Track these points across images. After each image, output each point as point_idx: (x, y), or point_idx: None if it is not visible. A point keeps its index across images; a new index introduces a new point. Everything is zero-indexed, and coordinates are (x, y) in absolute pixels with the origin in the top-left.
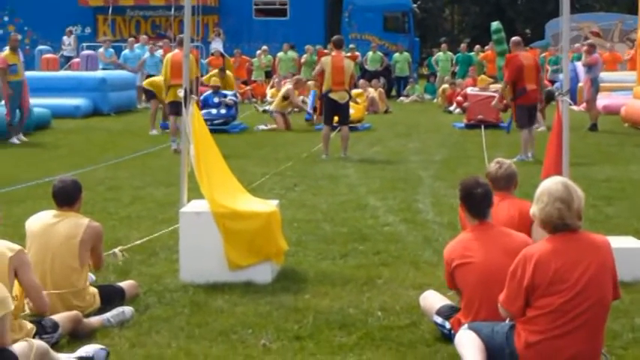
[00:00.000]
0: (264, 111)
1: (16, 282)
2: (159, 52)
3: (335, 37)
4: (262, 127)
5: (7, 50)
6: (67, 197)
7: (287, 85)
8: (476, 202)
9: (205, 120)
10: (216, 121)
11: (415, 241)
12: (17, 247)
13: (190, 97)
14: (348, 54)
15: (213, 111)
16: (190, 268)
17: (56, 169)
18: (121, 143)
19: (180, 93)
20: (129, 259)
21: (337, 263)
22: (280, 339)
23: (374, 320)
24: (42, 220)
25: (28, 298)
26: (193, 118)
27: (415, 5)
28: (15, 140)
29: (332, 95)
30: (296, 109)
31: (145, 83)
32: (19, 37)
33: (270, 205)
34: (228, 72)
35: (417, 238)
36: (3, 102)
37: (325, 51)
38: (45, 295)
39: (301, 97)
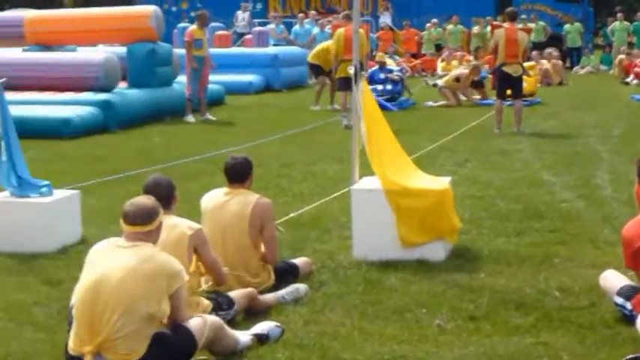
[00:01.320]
0: (434, 85)
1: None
2: (329, 28)
3: (509, 9)
4: (431, 103)
5: (195, 25)
6: (238, 174)
7: (461, 69)
8: None
9: None
10: (380, 98)
11: (593, 219)
12: (197, 225)
13: (360, 73)
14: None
15: (379, 87)
16: (363, 245)
17: (229, 144)
18: (293, 119)
19: (351, 70)
20: (305, 235)
21: (512, 241)
22: (455, 319)
23: (551, 300)
24: (214, 198)
25: (209, 274)
26: (364, 95)
27: None
28: (190, 118)
29: (505, 68)
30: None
31: (309, 58)
32: (208, 13)
33: (443, 182)
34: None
35: (595, 215)
36: (184, 77)
37: (497, 23)
38: (224, 270)
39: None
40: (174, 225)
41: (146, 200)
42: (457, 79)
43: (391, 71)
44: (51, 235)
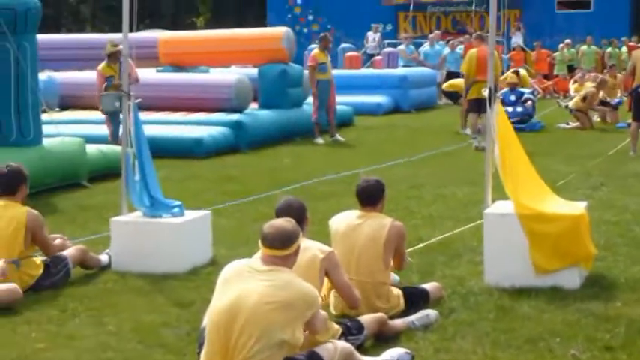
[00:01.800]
0: (566, 107)
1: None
2: (460, 49)
3: None
4: (563, 125)
5: (317, 49)
6: (370, 197)
7: (589, 87)
8: None
9: None
10: (512, 120)
11: None
12: (328, 248)
13: (495, 95)
14: None
15: (509, 109)
16: (495, 270)
17: (357, 165)
18: (422, 140)
19: (485, 92)
20: (433, 260)
21: None
22: (590, 349)
23: None
24: (346, 221)
25: (342, 298)
26: (498, 117)
27: None
28: (319, 140)
29: None
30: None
31: (445, 86)
32: (331, 37)
33: (578, 207)
34: (522, 71)
35: None
36: (311, 100)
37: (633, 44)
38: (357, 292)
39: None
40: (305, 248)
41: (286, 223)
42: (584, 98)
43: (522, 94)
44: (182, 255)
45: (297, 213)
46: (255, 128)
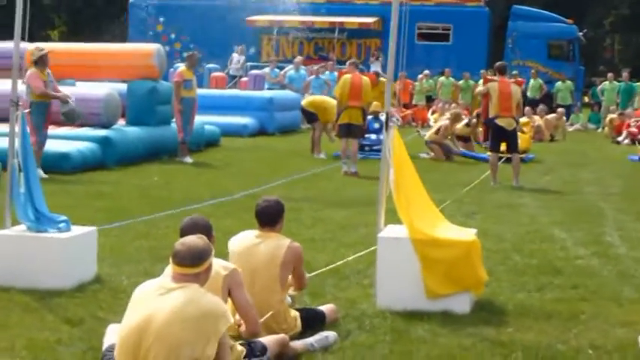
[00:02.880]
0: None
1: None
2: (325, 74)
3: (498, 63)
4: (424, 155)
5: (184, 66)
6: (269, 217)
7: (443, 119)
8: None
9: (365, 145)
10: (375, 147)
11: (610, 276)
12: (231, 266)
13: (392, 119)
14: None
15: (373, 136)
16: (387, 294)
17: (232, 187)
18: (290, 163)
19: (382, 116)
20: (322, 282)
21: (534, 296)
22: None
23: (585, 358)
24: (244, 241)
25: (242, 318)
26: (394, 142)
27: (581, 33)
28: (188, 159)
29: (499, 122)
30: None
31: (304, 103)
32: (198, 55)
33: (470, 234)
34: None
35: (611, 272)
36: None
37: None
38: (257, 315)
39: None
40: None
41: (198, 240)
42: (437, 131)
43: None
44: (68, 272)
45: (203, 231)
46: (123, 145)
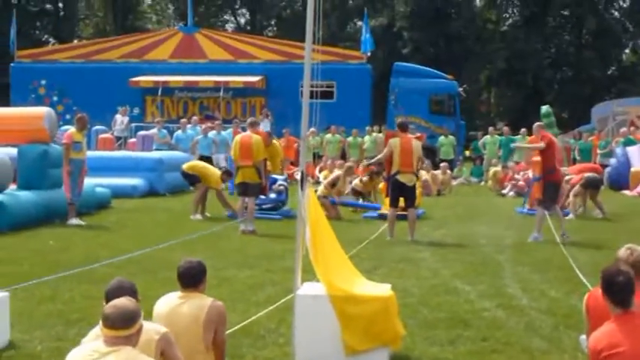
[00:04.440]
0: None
1: None
2: (211, 134)
3: (399, 121)
4: None
5: (74, 128)
6: (192, 278)
7: (336, 172)
8: (618, 290)
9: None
10: (264, 206)
11: (518, 328)
12: (163, 329)
13: (307, 179)
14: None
15: (262, 196)
16: (306, 351)
17: (130, 247)
18: (185, 223)
19: (297, 175)
20: (238, 343)
21: (447, 349)
22: None
23: None
24: (168, 303)
25: None
26: (309, 200)
27: (461, 89)
28: (74, 221)
29: (400, 177)
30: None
31: (185, 167)
32: (87, 116)
33: (386, 289)
34: (274, 141)
35: (519, 324)
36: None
37: (391, 132)
38: None
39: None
40: None
41: (127, 302)
42: (333, 184)
43: (275, 180)
44: None
45: (129, 293)
46: (15, 209)
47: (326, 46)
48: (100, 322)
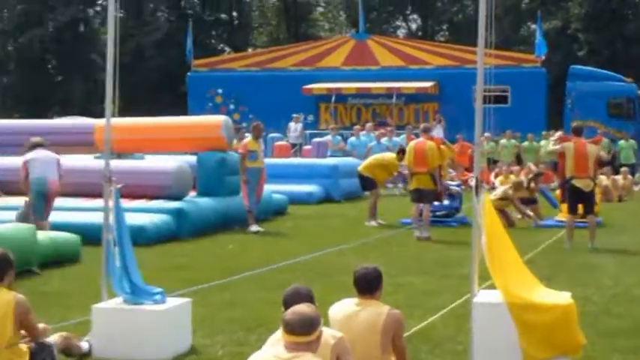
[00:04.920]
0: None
1: None
2: (384, 140)
3: (574, 125)
4: None
5: (249, 137)
6: (368, 284)
7: (504, 187)
8: None
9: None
10: (438, 213)
11: None
12: (338, 334)
13: (482, 185)
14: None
15: (436, 202)
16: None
17: (301, 253)
18: (359, 229)
19: (472, 181)
20: (416, 349)
21: (629, 358)
22: None
23: None
24: (344, 309)
25: None
26: (485, 206)
27: None
28: (254, 228)
29: (575, 182)
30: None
31: (360, 169)
32: (263, 125)
33: (566, 297)
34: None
35: None
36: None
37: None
38: None
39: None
40: None
41: (307, 309)
42: (504, 198)
43: (449, 186)
44: (164, 343)
45: (306, 299)
46: (196, 216)
47: (499, 50)
48: (281, 327)
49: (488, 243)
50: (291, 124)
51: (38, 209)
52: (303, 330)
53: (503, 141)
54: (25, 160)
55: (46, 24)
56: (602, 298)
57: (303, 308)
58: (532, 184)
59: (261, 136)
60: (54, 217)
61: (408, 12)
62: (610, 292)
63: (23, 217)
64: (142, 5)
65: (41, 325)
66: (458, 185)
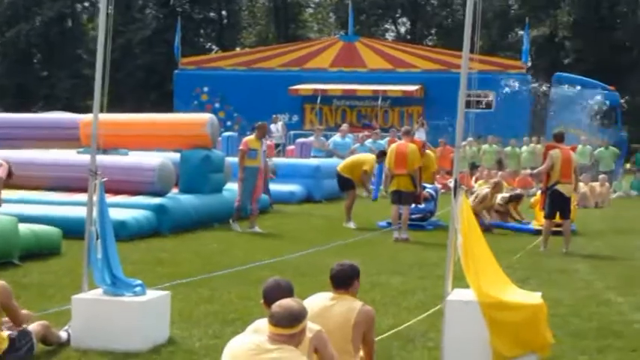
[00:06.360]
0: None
1: None
2: (368, 142)
3: (556, 131)
4: None
5: (253, 135)
6: (343, 280)
7: (484, 189)
8: None
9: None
10: (413, 216)
11: None
12: (316, 327)
13: (460, 187)
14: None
15: (415, 205)
16: (455, 356)
17: (284, 252)
18: (340, 229)
19: (450, 183)
20: (388, 345)
21: (596, 358)
22: None
23: None
24: (319, 302)
25: None
26: (462, 208)
27: (623, 100)
28: (236, 227)
29: (559, 187)
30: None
31: (339, 168)
32: (267, 125)
33: (536, 297)
34: (428, 152)
35: None
36: (231, 186)
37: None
38: None
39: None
40: None
41: (293, 303)
42: (482, 200)
43: (424, 188)
44: (143, 334)
45: (286, 292)
46: (177, 212)
47: (486, 55)
48: (267, 319)
49: (464, 243)
50: (272, 126)
51: None
52: (288, 323)
53: (485, 146)
54: None
55: (33, 18)
56: (573, 300)
57: (289, 302)
58: (509, 206)
59: (265, 136)
60: (35, 210)
61: (398, 15)
62: (581, 295)
63: None
64: (130, 1)
65: (24, 312)
66: (433, 189)
